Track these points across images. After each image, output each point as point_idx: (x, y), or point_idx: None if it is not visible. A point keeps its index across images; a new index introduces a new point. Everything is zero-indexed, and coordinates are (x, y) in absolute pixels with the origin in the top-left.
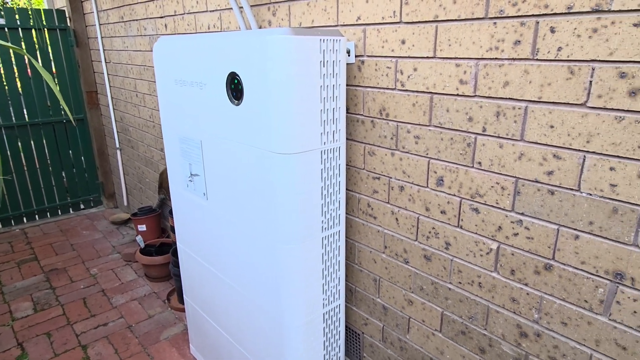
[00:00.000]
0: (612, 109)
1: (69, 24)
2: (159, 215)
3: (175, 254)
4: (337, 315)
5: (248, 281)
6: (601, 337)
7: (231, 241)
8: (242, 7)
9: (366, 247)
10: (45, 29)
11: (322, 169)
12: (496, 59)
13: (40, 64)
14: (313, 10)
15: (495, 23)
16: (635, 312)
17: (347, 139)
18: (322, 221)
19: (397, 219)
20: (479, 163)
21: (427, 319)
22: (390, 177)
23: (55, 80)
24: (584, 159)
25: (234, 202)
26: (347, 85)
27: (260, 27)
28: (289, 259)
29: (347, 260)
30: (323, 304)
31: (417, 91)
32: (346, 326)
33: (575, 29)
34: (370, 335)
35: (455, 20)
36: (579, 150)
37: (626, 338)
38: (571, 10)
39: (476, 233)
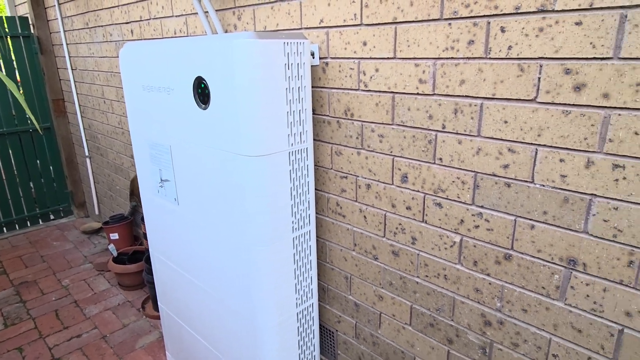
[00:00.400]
0: (560, 104)
1: (32, 31)
2: (131, 223)
3: (148, 261)
4: (311, 314)
5: (221, 284)
6: (558, 321)
7: (203, 245)
8: (207, 12)
9: (337, 245)
10: (8, 37)
11: (290, 170)
12: (452, 58)
13: (4, 73)
14: (277, 14)
15: (450, 24)
16: (587, 296)
17: (314, 139)
18: (292, 222)
19: (365, 216)
20: (440, 159)
21: (397, 313)
22: (357, 176)
23: (20, 89)
24: (536, 152)
25: (205, 206)
26: (312, 87)
27: (226, 32)
28: (260, 260)
29: (318, 259)
30: (296, 303)
31: (380, 91)
32: (320, 324)
33: (523, 28)
34: (343, 333)
35: (413, 21)
36: (531, 143)
37: (581, 321)
38: (519, 11)
39: (440, 227)
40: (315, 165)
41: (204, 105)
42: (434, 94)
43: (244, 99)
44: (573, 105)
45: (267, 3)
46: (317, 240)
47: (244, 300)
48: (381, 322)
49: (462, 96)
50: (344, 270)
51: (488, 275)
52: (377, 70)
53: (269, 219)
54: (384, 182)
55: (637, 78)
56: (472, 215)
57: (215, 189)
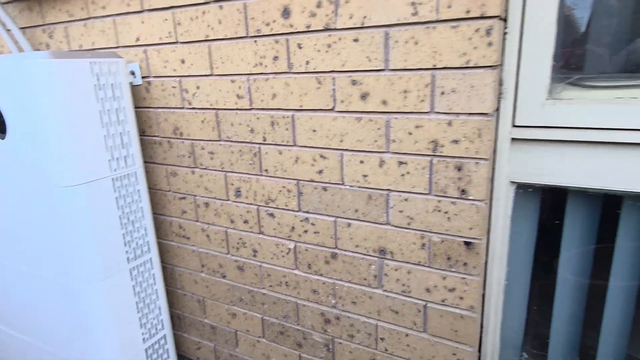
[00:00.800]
0: (353, 112)
1: None
2: None
3: None
4: (164, 346)
5: (52, 335)
6: (380, 307)
7: (26, 294)
8: (9, 30)
9: (185, 269)
10: None
11: (117, 197)
12: (262, 73)
13: None
14: (91, 31)
15: (255, 41)
16: (398, 280)
17: (147, 162)
18: (127, 251)
19: (208, 235)
20: (266, 170)
21: (251, 327)
22: (195, 195)
23: None
24: (342, 156)
25: (22, 249)
26: (137, 107)
27: (37, 50)
28: (92, 299)
29: (169, 286)
30: (143, 338)
31: (204, 108)
32: (180, 355)
33: (315, 44)
34: (205, 359)
35: (224, 39)
36: (337, 149)
37: (396, 303)
38: (310, 29)
39: (275, 236)
40: (151, 188)
41: (1, 135)
42: (252, 109)
43: (46, 125)
44: (362, 112)
45: (78, 20)
46: (164, 266)
47: (80, 347)
48: (238, 339)
49: (276, 109)
50: (196, 293)
51: (321, 275)
52: (198, 87)
53: (96, 252)
54: (220, 199)
55: (404, 86)
56: (301, 221)
57: (32, 227)
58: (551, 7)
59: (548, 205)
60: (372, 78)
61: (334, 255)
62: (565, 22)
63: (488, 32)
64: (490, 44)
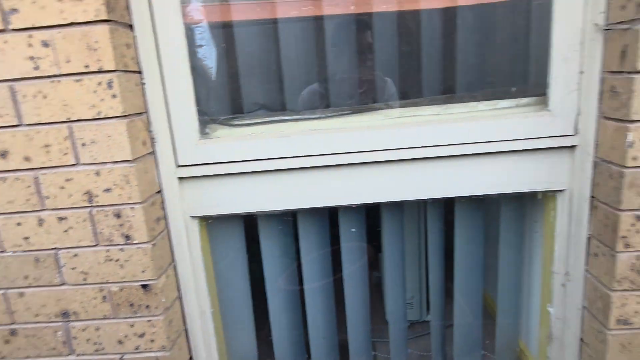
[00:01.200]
0: None
1: None
2: None
3: None
4: None
5: None
6: None
7: None
8: None
9: None
10: None
11: None
12: None
13: None
14: None
15: None
16: (88, 339)
17: None
18: None
19: None
20: None
21: None
22: None
23: None
24: None
25: None
26: None
27: None
28: None
29: None
30: None
31: None
32: None
33: None
34: None
35: None
36: None
37: None
38: None
39: None
40: None
41: None
42: None
43: None
44: (6, 171)
45: None
46: None
47: None
48: None
49: None
50: None
51: (3, 359)
52: None
53: None
54: None
55: (44, 140)
56: None
57: None
58: (183, 58)
59: (252, 229)
60: (8, 134)
61: (13, 332)
62: (202, 71)
63: (110, 85)
64: (114, 95)
